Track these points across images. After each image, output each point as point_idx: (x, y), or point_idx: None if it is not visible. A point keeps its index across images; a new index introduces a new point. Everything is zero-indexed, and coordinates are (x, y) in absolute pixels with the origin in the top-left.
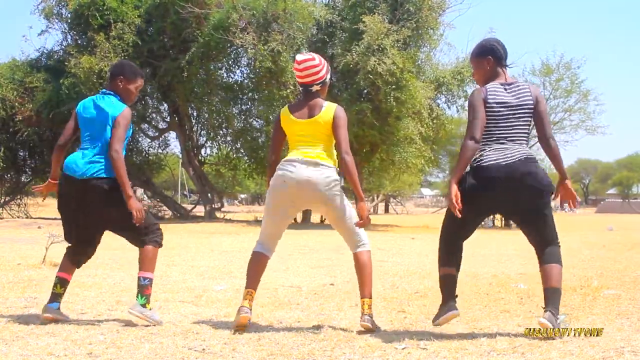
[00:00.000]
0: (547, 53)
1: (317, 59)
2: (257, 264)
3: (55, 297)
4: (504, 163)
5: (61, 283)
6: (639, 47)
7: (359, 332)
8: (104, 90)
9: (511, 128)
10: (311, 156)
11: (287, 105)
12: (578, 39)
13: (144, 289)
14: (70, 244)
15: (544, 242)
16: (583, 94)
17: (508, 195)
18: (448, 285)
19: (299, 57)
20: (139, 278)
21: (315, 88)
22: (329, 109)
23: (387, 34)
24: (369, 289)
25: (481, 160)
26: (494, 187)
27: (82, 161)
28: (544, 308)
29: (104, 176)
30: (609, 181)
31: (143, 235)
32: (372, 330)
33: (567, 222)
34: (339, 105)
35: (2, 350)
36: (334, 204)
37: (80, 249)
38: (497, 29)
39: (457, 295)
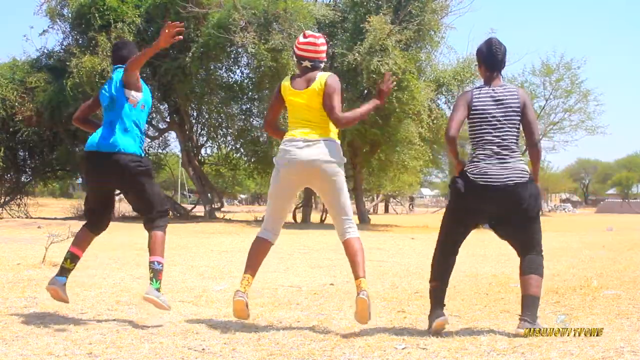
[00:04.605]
0: (547, 53)
1: (323, 40)
2: (259, 248)
3: (64, 271)
4: (486, 184)
5: (72, 258)
6: (639, 47)
7: (358, 334)
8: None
9: (499, 130)
10: (312, 135)
11: (289, 76)
12: (578, 39)
13: (158, 274)
14: (88, 220)
15: (525, 249)
16: (583, 94)
17: (492, 205)
18: (437, 296)
19: (307, 32)
20: (152, 262)
21: (306, 63)
22: (322, 77)
23: (389, 34)
24: (362, 269)
25: (469, 169)
26: (478, 196)
27: (107, 138)
28: (520, 317)
29: (129, 152)
30: (609, 181)
31: (156, 212)
32: (368, 306)
33: (567, 222)
34: (332, 74)
35: (2, 350)
36: (334, 184)
37: (99, 219)
38: (498, 29)
39: (444, 305)
